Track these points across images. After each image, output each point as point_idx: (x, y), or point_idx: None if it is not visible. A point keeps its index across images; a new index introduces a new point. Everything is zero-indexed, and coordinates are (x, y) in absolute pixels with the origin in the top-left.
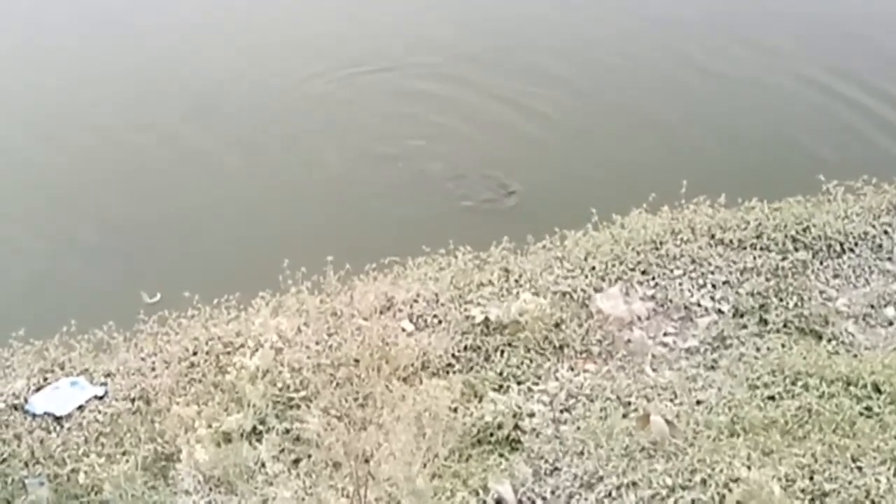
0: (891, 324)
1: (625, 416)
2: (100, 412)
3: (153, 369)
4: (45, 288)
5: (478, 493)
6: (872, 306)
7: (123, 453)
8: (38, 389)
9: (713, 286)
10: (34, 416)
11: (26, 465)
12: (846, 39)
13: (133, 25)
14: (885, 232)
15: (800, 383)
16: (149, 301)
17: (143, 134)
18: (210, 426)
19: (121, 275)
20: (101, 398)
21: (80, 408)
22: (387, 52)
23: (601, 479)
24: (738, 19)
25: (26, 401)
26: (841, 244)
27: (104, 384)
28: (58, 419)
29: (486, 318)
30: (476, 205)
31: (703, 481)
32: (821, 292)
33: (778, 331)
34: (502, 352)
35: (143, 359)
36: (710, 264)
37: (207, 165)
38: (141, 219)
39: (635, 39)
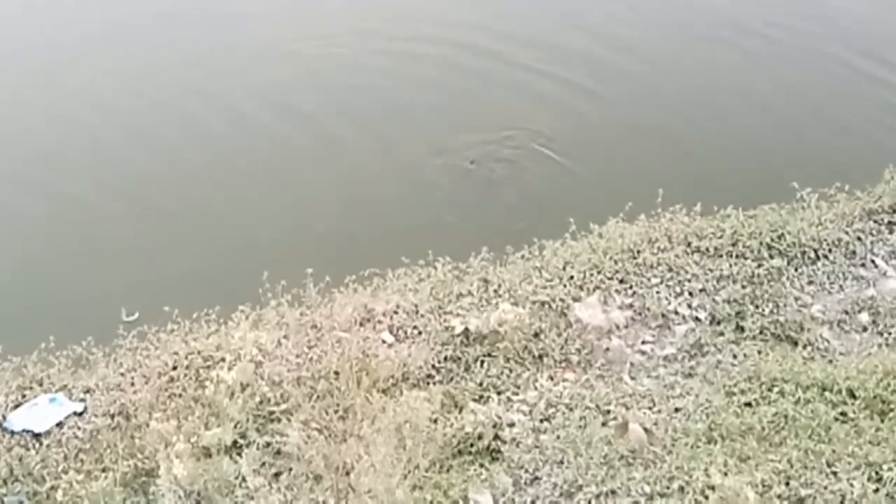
0: (865, 329)
1: (604, 424)
2: (79, 428)
3: (133, 384)
4: (23, 304)
5: None
6: (847, 312)
7: (103, 469)
8: (16, 406)
9: (690, 294)
10: (12, 433)
11: (5, 482)
12: (819, 47)
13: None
14: (859, 238)
15: (776, 389)
16: (126, 319)
17: (117, 147)
18: (189, 441)
19: (100, 289)
20: (80, 414)
21: (59, 424)
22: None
23: (581, 487)
24: (708, 26)
25: (4, 418)
26: (815, 251)
27: (83, 400)
28: (37, 436)
29: (466, 329)
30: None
31: (681, 488)
32: (796, 299)
33: (754, 338)
34: (482, 362)
35: (122, 374)
36: (686, 272)
37: (185, 177)
38: (118, 232)
39: (610, 48)
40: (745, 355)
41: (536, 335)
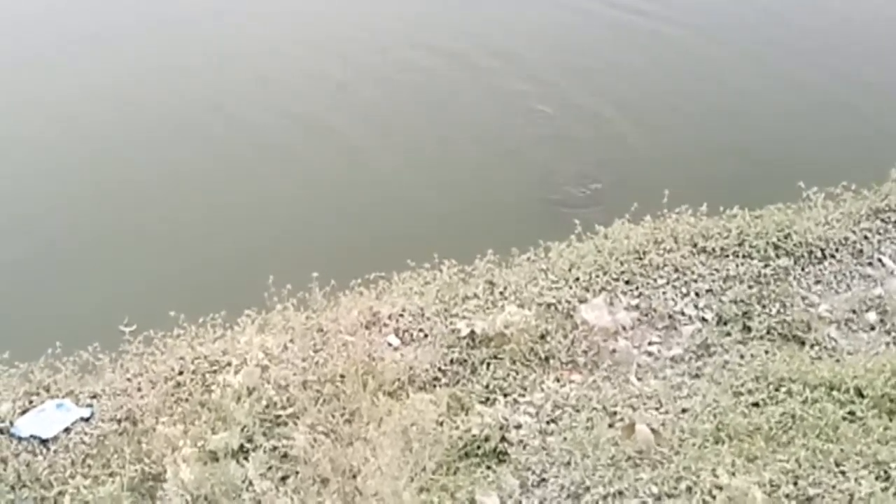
0: (872, 328)
1: (611, 425)
2: (86, 434)
3: (139, 389)
4: (30, 310)
5: None
6: (854, 311)
7: (110, 474)
8: (23, 412)
9: (697, 294)
10: (20, 439)
11: (13, 488)
12: (823, 47)
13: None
14: (865, 237)
15: (783, 389)
16: (123, 329)
17: (122, 150)
18: (196, 445)
19: (106, 295)
20: (87, 420)
21: (67, 430)
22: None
23: (588, 489)
24: (718, 27)
25: (12, 424)
26: (822, 250)
27: (90, 406)
28: (44, 442)
29: (472, 331)
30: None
31: (689, 489)
32: (803, 298)
33: (761, 337)
34: (488, 364)
35: (128, 379)
36: (693, 273)
37: (190, 183)
38: (125, 237)
39: (609, 49)
40: (752, 355)
41: (542, 337)
